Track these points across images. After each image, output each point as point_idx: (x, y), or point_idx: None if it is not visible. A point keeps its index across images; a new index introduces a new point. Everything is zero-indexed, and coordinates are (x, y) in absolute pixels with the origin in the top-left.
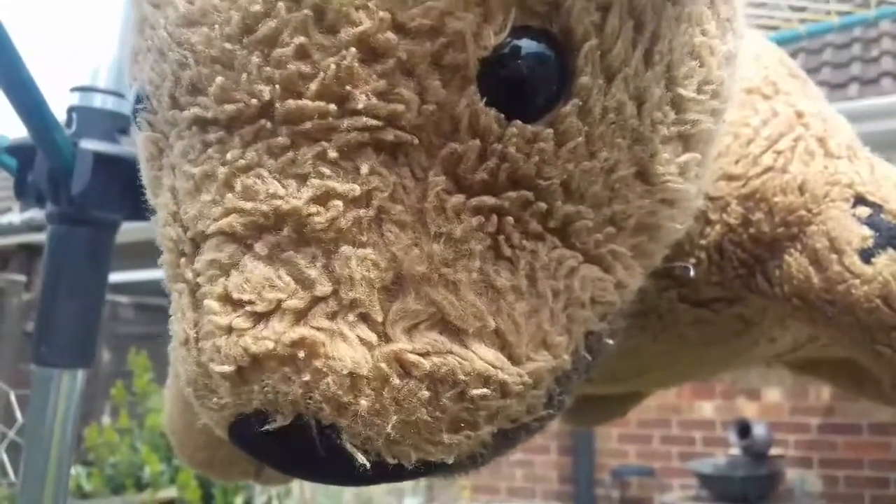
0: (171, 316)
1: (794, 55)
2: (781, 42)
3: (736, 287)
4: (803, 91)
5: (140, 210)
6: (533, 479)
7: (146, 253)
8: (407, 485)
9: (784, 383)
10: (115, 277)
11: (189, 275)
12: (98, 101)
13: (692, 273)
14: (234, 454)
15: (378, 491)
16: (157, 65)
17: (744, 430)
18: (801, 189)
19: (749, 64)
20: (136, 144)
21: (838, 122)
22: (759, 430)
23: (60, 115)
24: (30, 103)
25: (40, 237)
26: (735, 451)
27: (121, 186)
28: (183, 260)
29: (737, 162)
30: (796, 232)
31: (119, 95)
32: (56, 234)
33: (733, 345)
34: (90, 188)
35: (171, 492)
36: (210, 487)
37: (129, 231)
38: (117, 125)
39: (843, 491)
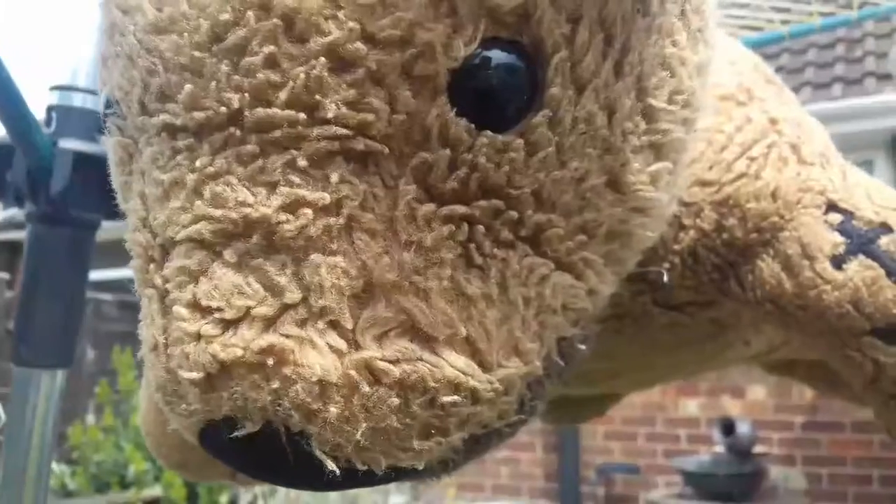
0: (141, 321)
1: (777, 56)
2: (765, 43)
3: (710, 291)
4: (779, 97)
5: (119, 210)
6: (518, 476)
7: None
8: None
9: (768, 381)
10: (98, 275)
11: (158, 281)
12: (77, 100)
13: (666, 278)
14: (209, 456)
15: (363, 489)
16: (127, 71)
17: (728, 427)
18: (774, 195)
19: (724, 70)
20: (107, 148)
21: (813, 128)
22: (743, 428)
23: (39, 114)
24: (8, 103)
25: (23, 234)
26: (719, 448)
27: (101, 186)
28: (152, 266)
29: (710, 168)
30: (769, 238)
31: (98, 94)
32: (35, 234)
33: (707, 347)
34: (70, 188)
35: (155, 490)
36: (195, 486)
37: (112, 228)
38: (97, 124)
39: (826, 488)
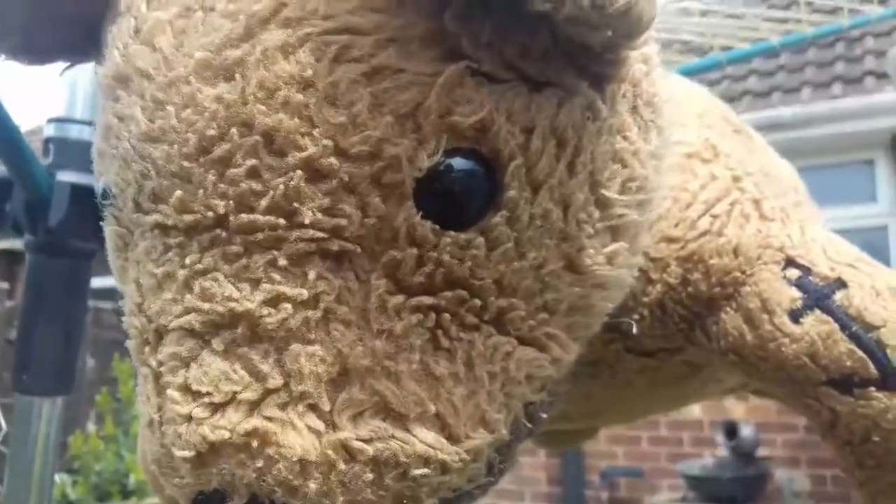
0: (138, 397)
1: (776, 56)
2: (757, 54)
3: (678, 340)
4: (747, 147)
5: None
6: (521, 481)
7: None
8: None
9: None
10: (98, 283)
11: (153, 363)
12: (74, 131)
13: (635, 329)
14: None
15: None
16: (122, 171)
17: (731, 431)
18: (736, 252)
19: (691, 124)
20: (106, 236)
21: (780, 175)
22: (746, 431)
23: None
24: (5, 136)
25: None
26: (723, 451)
27: (98, 216)
28: (147, 348)
29: (676, 225)
30: (731, 292)
31: (95, 125)
32: (35, 264)
33: (682, 387)
34: (68, 219)
35: (156, 499)
36: None
37: None
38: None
39: (831, 490)
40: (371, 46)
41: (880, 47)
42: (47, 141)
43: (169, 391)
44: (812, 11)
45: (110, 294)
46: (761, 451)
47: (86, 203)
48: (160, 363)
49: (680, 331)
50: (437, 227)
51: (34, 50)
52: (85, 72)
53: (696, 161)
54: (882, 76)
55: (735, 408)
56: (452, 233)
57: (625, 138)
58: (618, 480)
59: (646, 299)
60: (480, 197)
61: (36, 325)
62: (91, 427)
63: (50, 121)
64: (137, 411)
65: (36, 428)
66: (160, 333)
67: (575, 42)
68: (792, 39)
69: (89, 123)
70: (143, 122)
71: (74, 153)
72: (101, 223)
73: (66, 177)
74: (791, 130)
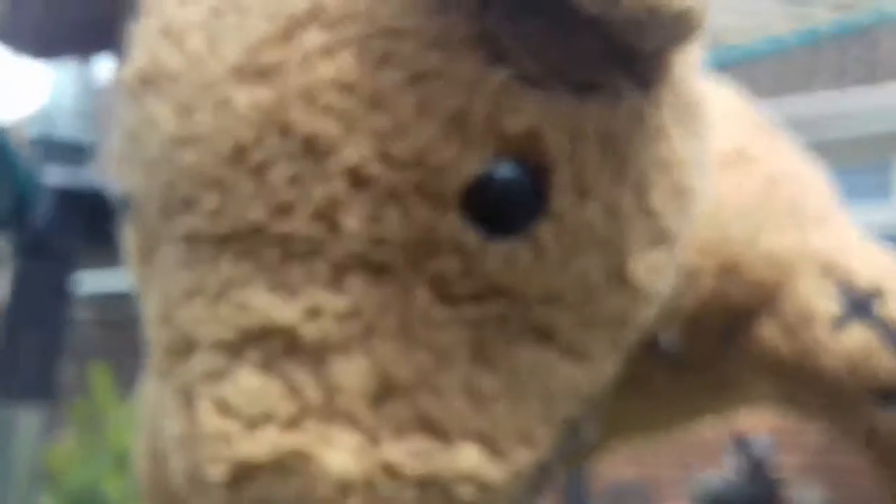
0: (162, 412)
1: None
2: (772, 51)
3: (710, 353)
4: (773, 148)
5: (101, 239)
6: None
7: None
8: None
9: None
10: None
11: (181, 375)
12: (59, 132)
13: (668, 343)
14: None
15: None
16: (148, 177)
17: (743, 445)
18: (771, 261)
19: (718, 126)
20: (126, 242)
21: (809, 177)
22: (759, 445)
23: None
24: None
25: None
26: (734, 467)
27: (82, 217)
28: (173, 360)
29: (709, 235)
30: (767, 301)
31: (79, 124)
32: (19, 268)
33: (707, 401)
34: (53, 221)
35: None
36: None
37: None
38: (78, 157)
39: None
40: (415, 50)
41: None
42: (31, 141)
43: (200, 406)
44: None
45: (86, 302)
46: (773, 467)
47: (70, 205)
48: (189, 376)
49: (713, 343)
50: (482, 236)
51: (43, 46)
52: (70, 71)
53: (728, 167)
54: None
55: (746, 421)
56: (498, 241)
57: (668, 145)
58: (623, 494)
59: (679, 312)
60: (526, 205)
61: (18, 330)
62: (65, 436)
63: (34, 120)
64: (113, 420)
65: (18, 433)
66: (189, 345)
67: (622, 45)
68: (808, 34)
69: (75, 125)
70: (173, 125)
71: (59, 154)
72: (85, 226)
73: (52, 178)
74: (804, 130)
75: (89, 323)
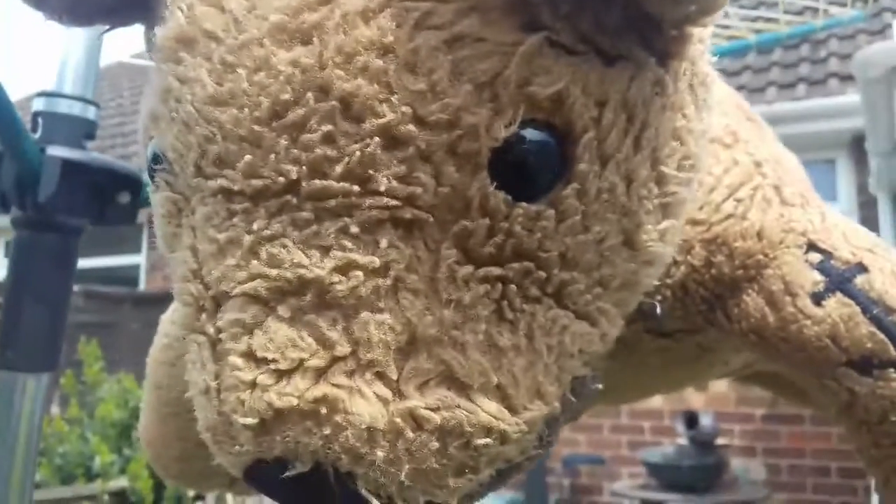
0: (190, 365)
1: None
2: (733, 52)
3: (697, 321)
4: (759, 135)
5: (104, 214)
6: None
7: (98, 241)
8: None
9: None
10: None
11: (210, 330)
12: (64, 106)
13: (659, 310)
14: (210, 468)
15: None
16: (182, 135)
17: (691, 420)
18: (759, 235)
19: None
20: (153, 201)
21: (791, 165)
22: (705, 421)
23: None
24: None
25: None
26: (682, 440)
27: (86, 192)
28: (204, 315)
29: (701, 208)
30: (754, 274)
31: (84, 101)
32: (21, 239)
33: (691, 368)
34: (57, 194)
35: (121, 482)
36: (161, 478)
37: None
38: (83, 131)
39: (786, 479)
40: (452, 14)
41: (844, 50)
42: (36, 115)
43: (230, 358)
44: (786, 11)
45: (78, 276)
46: (720, 440)
47: (75, 179)
48: (219, 330)
49: (700, 312)
50: (509, 197)
51: (77, 12)
52: (76, 45)
53: (719, 146)
54: (845, 78)
55: (695, 397)
56: (524, 204)
57: (683, 116)
58: (579, 467)
59: (669, 280)
60: (551, 169)
61: (21, 301)
62: (55, 409)
63: (40, 95)
64: (102, 394)
65: (20, 405)
66: (218, 300)
67: (647, 17)
68: (767, 38)
69: (79, 99)
70: (210, 84)
71: (64, 128)
72: (90, 199)
73: (57, 152)
74: None
75: (77, 295)
